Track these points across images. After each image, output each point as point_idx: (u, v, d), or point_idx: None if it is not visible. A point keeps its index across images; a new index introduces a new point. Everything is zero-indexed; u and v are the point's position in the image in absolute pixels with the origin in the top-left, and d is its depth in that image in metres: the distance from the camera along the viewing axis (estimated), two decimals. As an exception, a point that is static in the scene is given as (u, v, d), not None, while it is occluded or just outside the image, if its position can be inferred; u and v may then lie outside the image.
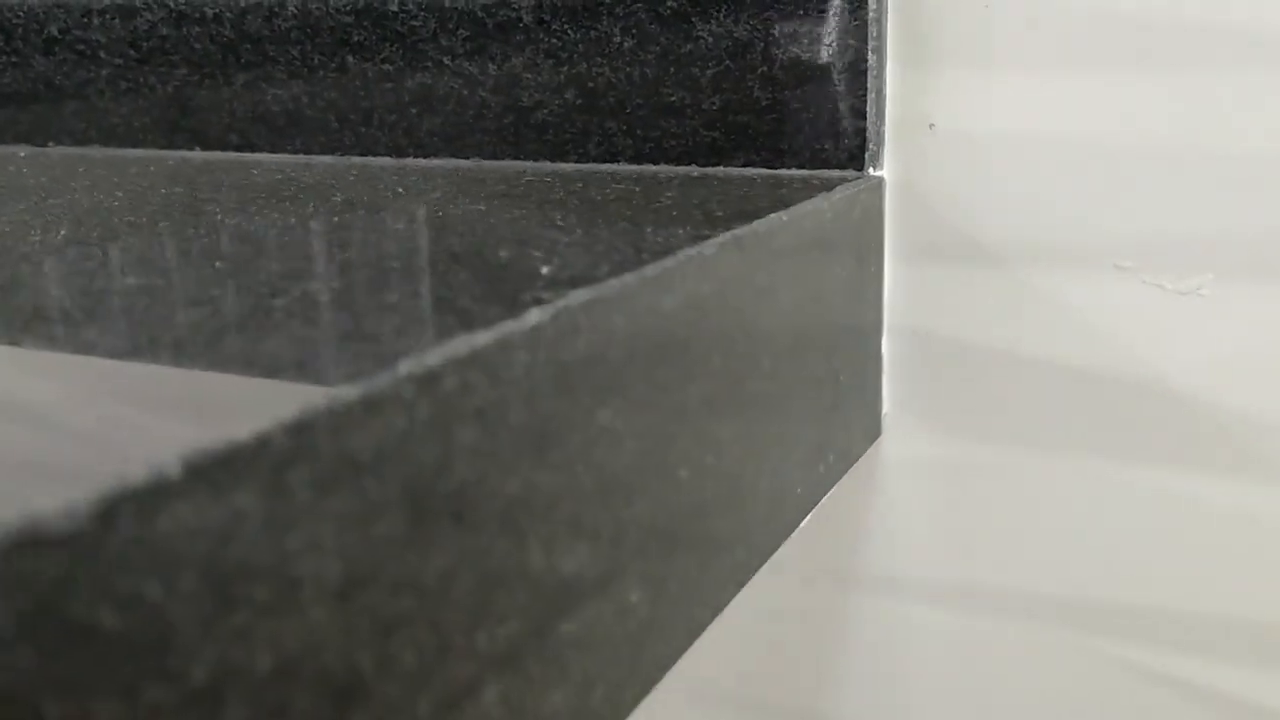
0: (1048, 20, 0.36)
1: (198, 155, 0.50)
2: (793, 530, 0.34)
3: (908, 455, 0.41)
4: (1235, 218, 0.35)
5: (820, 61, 0.38)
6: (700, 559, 0.28)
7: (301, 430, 0.15)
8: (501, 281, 0.23)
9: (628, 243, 0.27)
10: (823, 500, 0.37)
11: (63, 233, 0.29)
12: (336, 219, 0.31)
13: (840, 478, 0.38)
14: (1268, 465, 0.36)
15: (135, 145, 0.51)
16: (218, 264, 0.25)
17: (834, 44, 0.38)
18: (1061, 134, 0.37)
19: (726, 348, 0.28)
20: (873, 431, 0.41)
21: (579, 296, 0.22)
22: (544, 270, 0.24)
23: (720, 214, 0.31)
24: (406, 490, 0.17)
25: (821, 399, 0.35)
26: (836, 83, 0.38)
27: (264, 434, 0.15)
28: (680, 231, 0.28)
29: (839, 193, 0.35)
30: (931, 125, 0.38)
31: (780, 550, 0.34)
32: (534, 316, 0.20)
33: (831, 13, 0.37)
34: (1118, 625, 0.40)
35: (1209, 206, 0.36)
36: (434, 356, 0.18)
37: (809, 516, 0.36)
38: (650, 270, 0.24)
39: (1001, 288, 0.39)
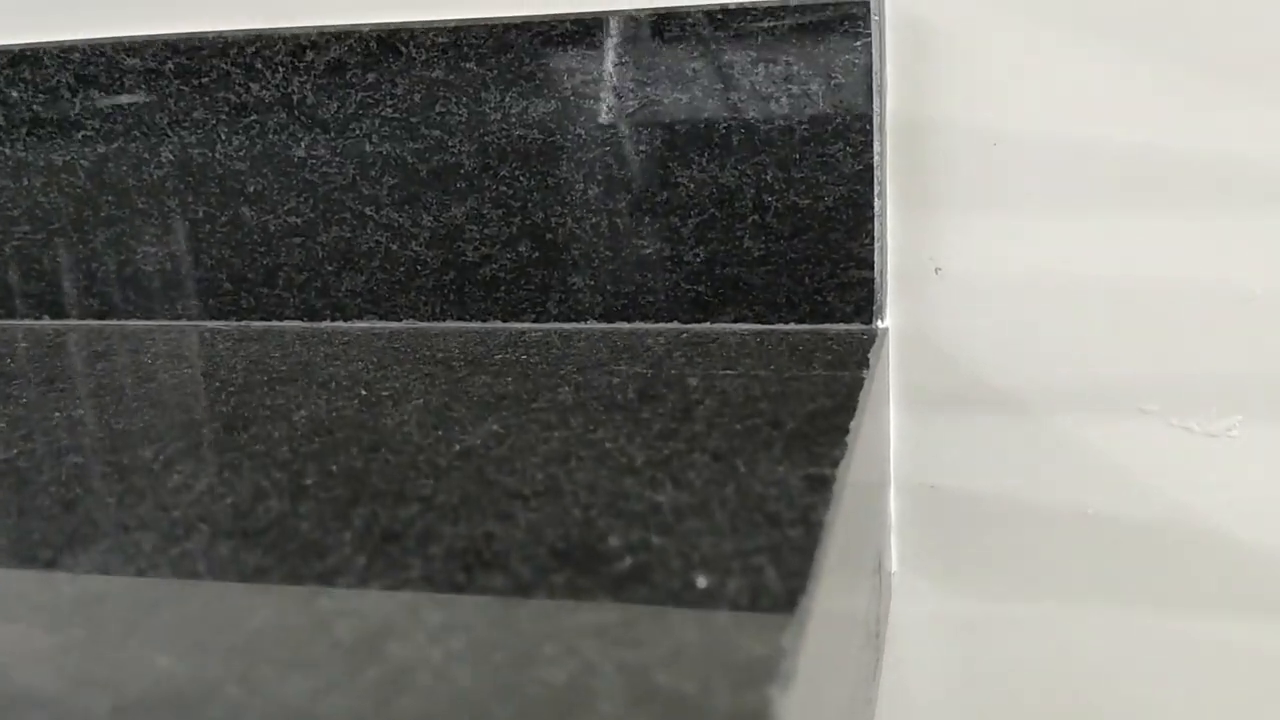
0: (1058, 160, 0.34)
1: (47, 325, 0.41)
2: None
3: (918, 615, 0.38)
4: (1262, 357, 0.34)
5: (819, 211, 0.34)
6: None
7: None
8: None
9: (740, 499, 0.23)
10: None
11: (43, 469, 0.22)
12: (333, 465, 0.25)
13: (882, 654, 0.34)
14: (1301, 602, 0.35)
15: (-36, 316, 0.42)
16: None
17: (838, 190, 0.34)
18: (1075, 275, 0.35)
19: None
20: (886, 596, 0.38)
21: (793, 646, 0.17)
22: (700, 581, 0.19)
23: (786, 418, 0.27)
24: None
25: (873, 578, 0.32)
26: (840, 231, 0.35)
27: None
28: (779, 468, 0.24)
29: (871, 358, 0.32)
30: (938, 270, 0.36)
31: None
32: (778, 703, 0.16)
33: (839, 163, 0.34)
34: (1149, 771, 0.38)
35: (1233, 347, 0.34)
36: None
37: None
38: (815, 574, 0.20)
39: (1017, 436, 0.36)
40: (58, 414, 0.30)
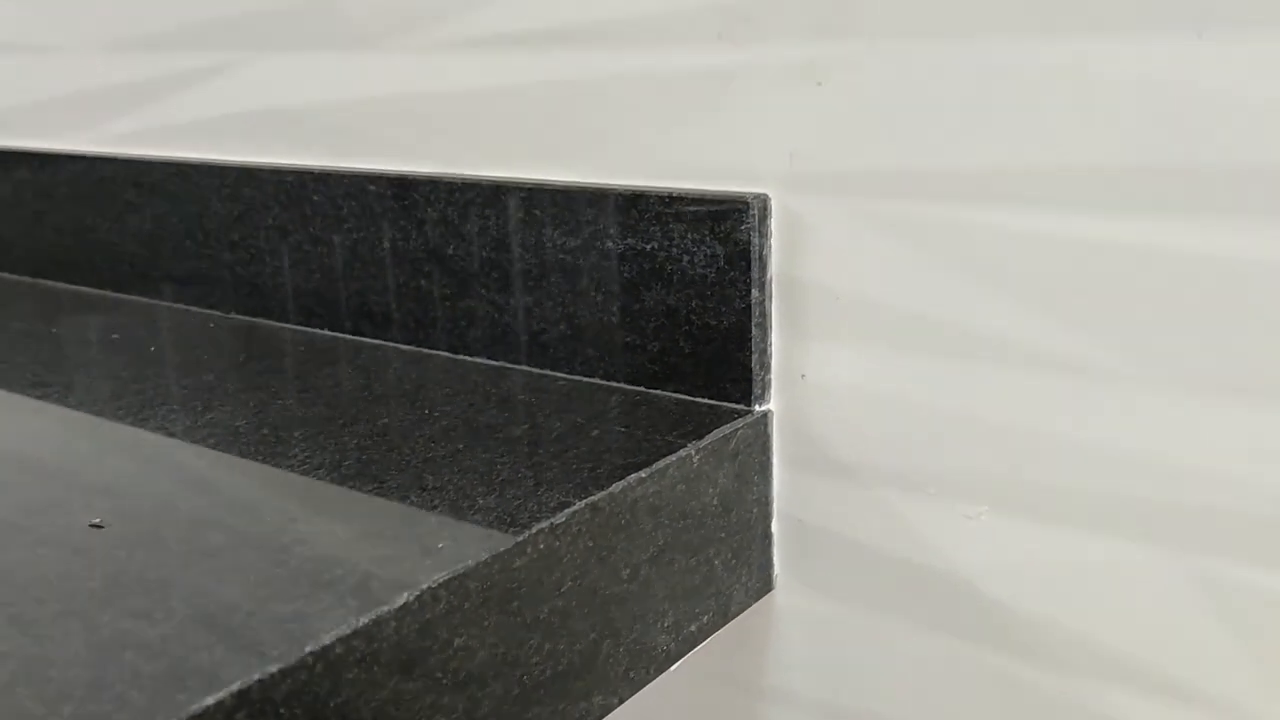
0: (886, 312, 0.50)
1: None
2: (658, 675, 0.49)
3: (794, 605, 0.55)
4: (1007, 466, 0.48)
5: (720, 329, 0.53)
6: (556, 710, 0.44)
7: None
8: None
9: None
10: (728, 632, 0.52)
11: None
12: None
13: (717, 630, 0.52)
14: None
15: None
16: None
17: (730, 319, 0.52)
18: (893, 392, 0.50)
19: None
20: (765, 588, 0.55)
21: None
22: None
23: (586, 467, 0.46)
24: None
25: (691, 577, 0.50)
26: (734, 344, 0.53)
27: None
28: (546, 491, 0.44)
29: (721, 431, 0.50)
30: (803, 376, 0.52)
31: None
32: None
33: (731, 301, 0.52)
34: (942, 751, 0.53)
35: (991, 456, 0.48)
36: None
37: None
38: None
39: (857, 498, 0.52)
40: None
